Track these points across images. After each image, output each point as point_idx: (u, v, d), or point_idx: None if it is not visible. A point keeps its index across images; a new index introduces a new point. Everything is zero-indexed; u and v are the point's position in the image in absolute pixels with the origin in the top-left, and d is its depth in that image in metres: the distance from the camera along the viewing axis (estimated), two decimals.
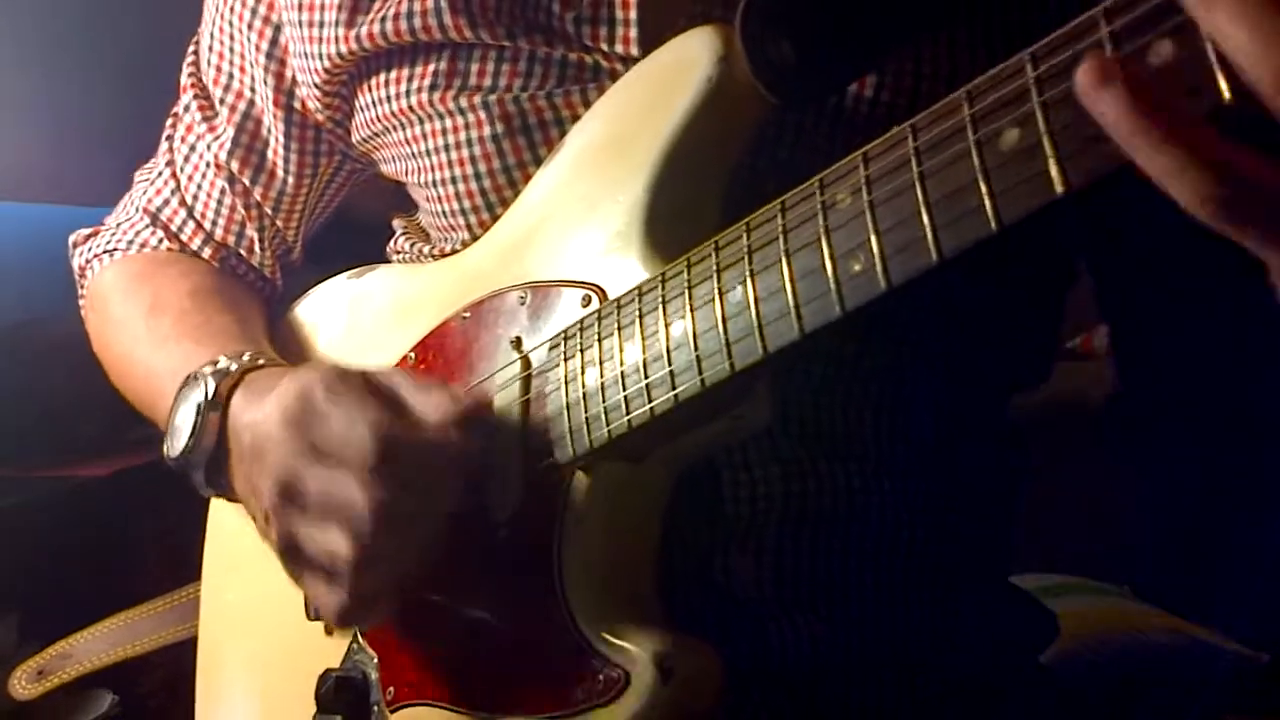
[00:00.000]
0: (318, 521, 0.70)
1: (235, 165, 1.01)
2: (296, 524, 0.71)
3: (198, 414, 0.80)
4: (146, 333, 0.97)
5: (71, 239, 1.12)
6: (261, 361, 0.84)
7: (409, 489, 0.68)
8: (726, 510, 0.77)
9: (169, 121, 1.07)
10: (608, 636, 0.68)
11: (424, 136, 0.86)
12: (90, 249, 1.10)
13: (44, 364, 1.57)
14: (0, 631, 1.39)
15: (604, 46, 0.79)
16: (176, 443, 0.82)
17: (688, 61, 0.71)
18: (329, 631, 0.88)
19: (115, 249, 1.07)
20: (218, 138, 1.01)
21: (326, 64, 0.88)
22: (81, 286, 1.11)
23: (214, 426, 0.80)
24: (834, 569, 0.79)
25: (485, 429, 0.74)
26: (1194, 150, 0.42)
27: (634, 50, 0.78)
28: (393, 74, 0.86)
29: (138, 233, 1.07)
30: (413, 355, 0.86)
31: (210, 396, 0.80)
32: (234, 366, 0.82)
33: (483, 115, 0.82)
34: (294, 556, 0.73)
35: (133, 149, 1.14)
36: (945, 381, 0.82)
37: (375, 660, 0.82)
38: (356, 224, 1.14)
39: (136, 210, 1.08)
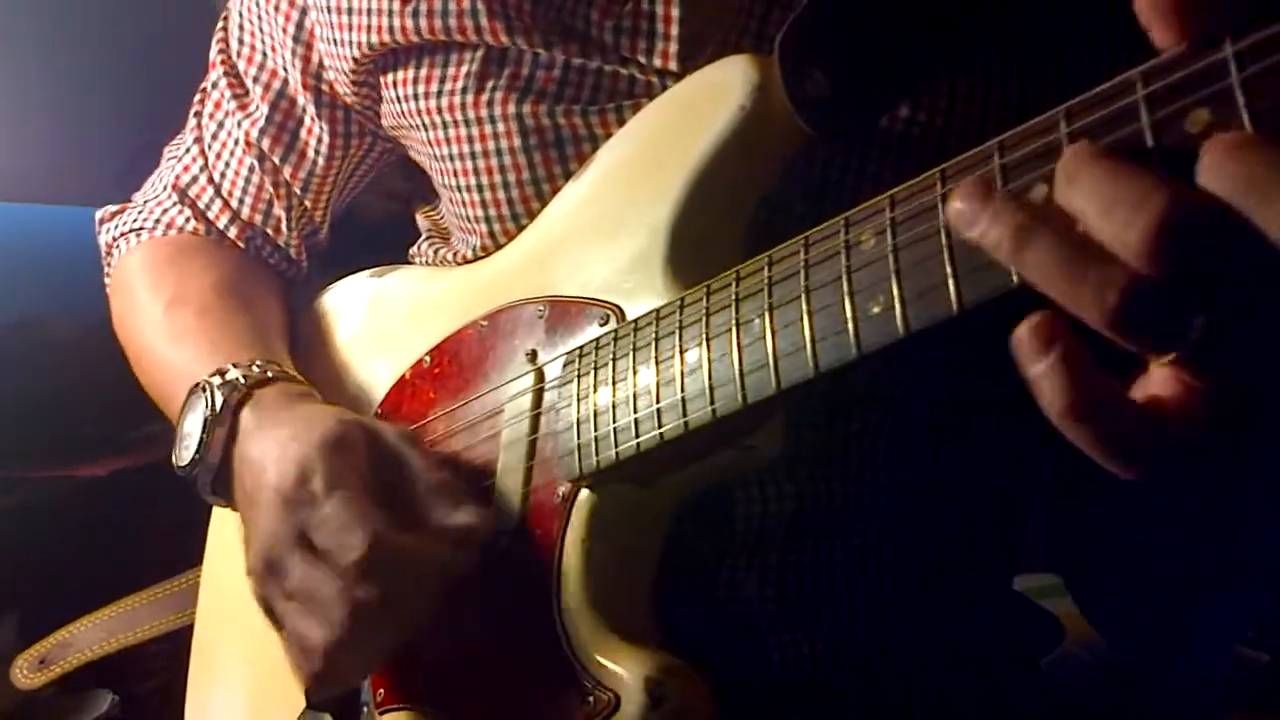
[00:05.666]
0: (295, 605, 0.71)
1: (266, 143, 0.99)
2: (275, 597, 0.73)
3: (204, 429, 0.81)
4: (166, 325, 0.97)
5: (98, 215, 1.12)
6: (270, 374, 0.84)
7: (390, 597, 0.68)
8: (736, 528, 0.77)
9: (197, 97, 1.06)
10: (599, 657, 0.68)
11: (449, 141, 0.85)
12: (117, 226, 1.09)
13: (44, 364, 1.57)
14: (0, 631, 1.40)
15: (641, 59, 0.78)
16: (184, 453, 0.83)
17: (722, 88, 0.71)
18: None
19: (142, 228, 1.07)
20: (249, 115, 1.00)
21: (356, 53, 0.87)
22: (107, 264, 1.11)
23: (219, 442, 0.81)
24: (836, 582, 0.79)
25: (485, 544, 0.73)
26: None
27: (672, 64, 0.77)
28: (422, 72, 0.85)
29: (164, 210, 1.06)
30: (428, 358, 0.86)
31: (217, 411, 0.81)
32: (242, 379, 0.82)
33: (514, 126, 0.82)
34: (271, 618, 0.74)
35: (131, 149, 1.14)
36: (956, 401, 0.81)
37: None
38: (365, 226, 1.14)
39: (164, 188, 1.07)
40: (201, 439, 0.81)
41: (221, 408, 0.81)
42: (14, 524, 1.44)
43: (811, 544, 0.79)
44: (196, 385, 0.83)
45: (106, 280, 1.11)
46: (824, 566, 0.79)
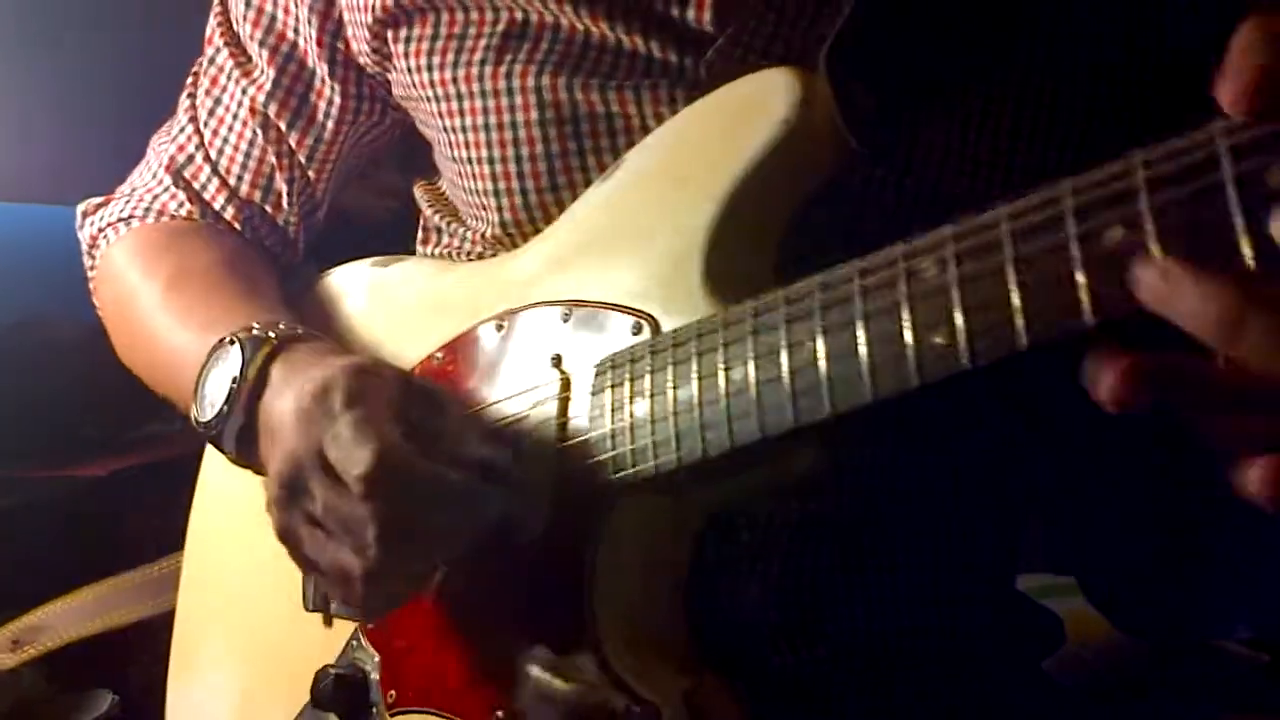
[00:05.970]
0: (325, 532, 0.69)
1: (274, 109, 0.97)
2: (299, 525, 0.71)
3: (233, 381, 0.78)
4: (167, 305, 0.95)
5: (81, 208, 1.08)
6: (301, 331, 0.81)
7: (414, 511, 0.67)
8: (741, 537, 0.77)
9: (189, 80, 1.04)
10: (637, 670, 0.68)
11: (464, 112, 0.84)
12: (103, 218, 1.05)
13: (44, 364, 1.57)
14: None
15: (674, 12, 0.77)
16: (208, 409, 0.80)
17: (763, 102, 0.71)
18: (328, 623, 0.87)
19: (132, 216, 1.03)
20: (254, 82, 0.97)
21: (381, 1, 0.85)
22: (91, 258, 1.07)
23: (247, 395, 0.77)
24: (837, 585, 0.79)
25: (505, 475, 0.72)
26: None
27: (707, 17, 0.76)
28: (439, 43, 0.84)
29: (155, 197, 1.03)
30: (440, 355, 0.84)
31: (244, 363, 0.78)
32: (271, 334, 0.79)
33: (531, 99, 0.81)
34: (297, 553, 0.72)
35: (132, 149, 1.13)
36: (958, 403, 0.81)
37: (376, 660, 0.81)
38: (364, 226, 1.13)
39: (154, 174, 1.04)
40: (231, 390, 0.77)
41: (252, 359, 0.77)
42: (14, 524, 1.44)
43: (814, 549, 0.78)
44: (222, 340, 0.80)
45: (90, 274, 1.08)
46: (825, 571, 0.79)
